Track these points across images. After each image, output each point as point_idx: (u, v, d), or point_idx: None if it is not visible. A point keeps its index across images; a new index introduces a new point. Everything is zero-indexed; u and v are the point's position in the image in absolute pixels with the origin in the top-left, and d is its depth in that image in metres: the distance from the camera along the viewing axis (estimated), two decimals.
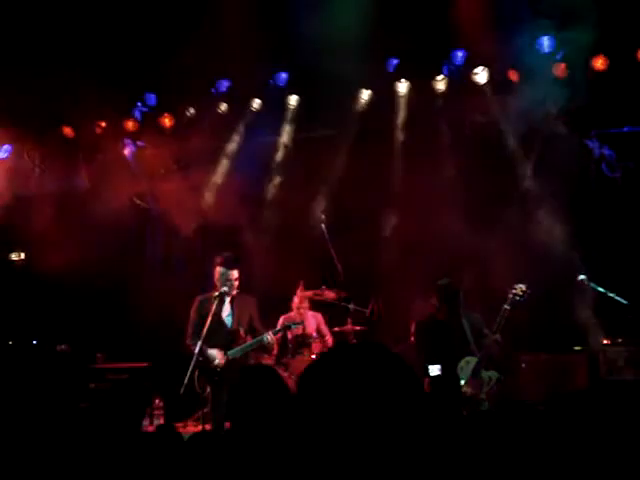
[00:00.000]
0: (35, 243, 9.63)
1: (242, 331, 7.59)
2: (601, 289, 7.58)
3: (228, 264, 7.64)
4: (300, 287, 9.11)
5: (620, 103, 8.52)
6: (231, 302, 7.71)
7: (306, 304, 9.12)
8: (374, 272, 9.63)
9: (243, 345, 7.55)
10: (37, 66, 8.96)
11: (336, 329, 9.10)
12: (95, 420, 6.14)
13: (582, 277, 7.65)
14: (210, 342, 7.45)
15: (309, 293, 9.07)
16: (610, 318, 7.84)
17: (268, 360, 8.53)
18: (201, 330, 7.40)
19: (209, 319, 7.41)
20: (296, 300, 9.11)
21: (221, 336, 7.53)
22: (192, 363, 7.30)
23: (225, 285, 7.60)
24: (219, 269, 7.65)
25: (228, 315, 7.67)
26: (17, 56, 8.94)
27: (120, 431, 4.94)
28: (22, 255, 9.56)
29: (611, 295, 7.54)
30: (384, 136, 9.73)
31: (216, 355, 7.43)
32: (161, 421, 8.12)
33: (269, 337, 7.53)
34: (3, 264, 10.18)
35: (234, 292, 7.65)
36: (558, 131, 8.71)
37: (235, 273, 7.65)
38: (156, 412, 8.25)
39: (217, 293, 7.57)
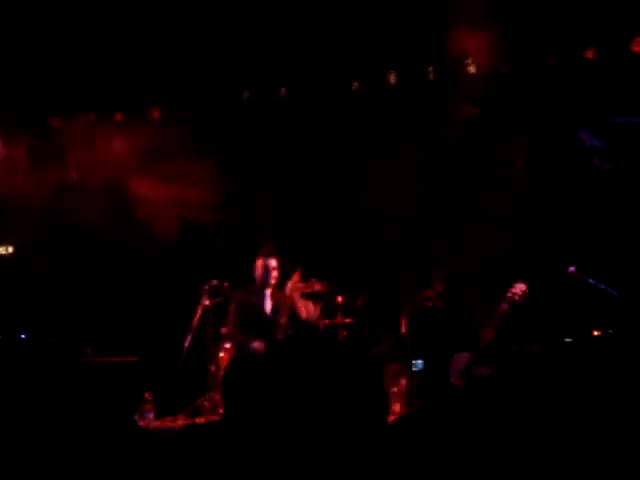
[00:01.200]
0: (23, 237, 9.57)
1: (282, 320, 7.60)
2: (592, 280, 7.56)
3: (267, 253, 7.64)
4: (296, 274, 9.06)
5: (612, 94, 8.51)
6: (271, 296, 7.70)
7: (297, 293, 9.08)
8: (363, 264, 9.62)
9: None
10: (23, 56, 8.89)
11: (326, 322, 9.07)
12: (86, 415, 6.08)
13: (573, 268, 7.63)
14: (249, 334, 7.45)
15: (300, 285, 9.03)
16: (601, 309, 7.84)
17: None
18: (243, 323, 7.45)
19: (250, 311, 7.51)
20: (289, 285, 9.05)
21: (261, 327, 7.53)
22: (182, 356, 7.27)
23: (264, 275, 7.61)
24: (259, 261, 7.67)
25: (270, 308, 7.67)
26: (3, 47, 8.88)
27: (112, 425, 4.89)
28: (10, 249, 9.48)
29: (602, 286, 7.52)
30: (375, 126, 9.69)
31: (256, 345, 7.43)
32: (151, 415, 8.07)
33: None
34: None
35: (273, 281, 7.64)
36: (549, 121, 8.72)
37: (273, 262, 7.65)
38: (146, 406, 8.20)
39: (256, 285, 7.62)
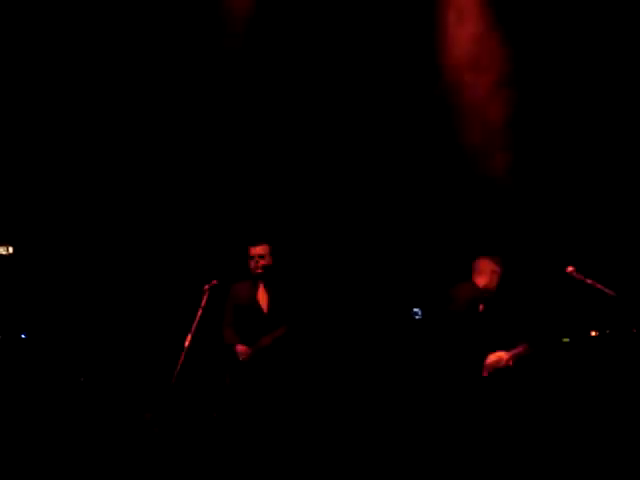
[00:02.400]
0: (23, 236, 9.58)
1: (279, 316, 7.20)
2: (590, 280, 7.59)
3: (251, 241, 7.24)
4: None
5: None
6: (266, 287, 7.27)
7: None
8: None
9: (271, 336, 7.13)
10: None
11: None
12: (90, 413, 6.12)
13: (571, 268, 7.66)
14: (242, 332, 7.19)
15: None
16: (598, 309, 7.87)
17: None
18: (236, 320, 7.19)
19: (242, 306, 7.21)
20: None
21: (253, 325, 7.21)
22: (182, 354, 7.24)
23: (252, 265, 7.17)
24: (249, 250, 7.21)
25: (264, 301, 7.23)
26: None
27: (113, 424, 4.94)
28: (10, 249, 9.48)
29: (600, 287, 7.54)
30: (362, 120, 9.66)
31: (240, 351, 7.17)
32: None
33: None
34: None
35: (259, 271, 7.14)
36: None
37: (257, 249, 7.16)
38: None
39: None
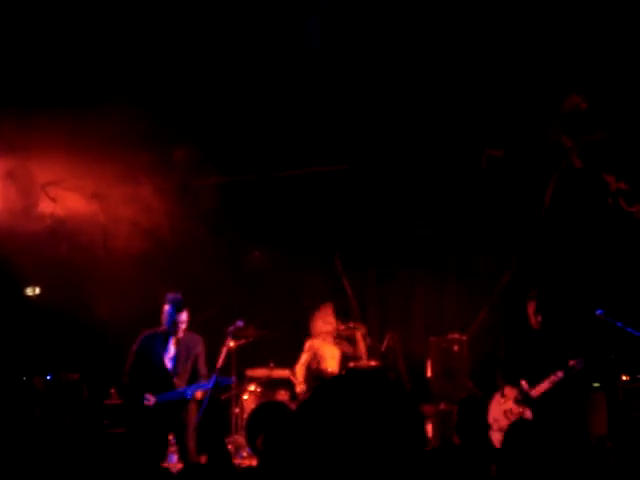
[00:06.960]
0: (49, 277, 9.58)
1: (178, 379, 7.28)
2: (619, 324, 7.50)
3: (176, 306, 7.32)
4: (327, 310, 8.92)
5: (638, 136, 8.50)
6: (176, 343, 7.36)
7: (330, 334, 8.90)
8: (389, 306, 9.60)
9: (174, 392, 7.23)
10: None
11: (351, 364, 8.99)
12: (111, 457, 6.05)
13: (600, 312, 7.58)
14: (144, 382, 7.25)
15: (332, 325, 8.77)
16: (628, 354, 7.76)
17: (284, 396, 8.44)
18: (139, 369, 7.25)
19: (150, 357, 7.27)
20: (320, 324, 8.92)
21: (157, 377, 7.27)
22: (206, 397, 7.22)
23: (172, 326, 7.31)
24: (167, 308, 7.35)
25: (172, 357, 7.35)
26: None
27: (137, 469, 4.87)
28: (37, 290, 9.48)
29: (629, 330, 7.45)
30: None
31: (146, 396, 7.20)
32: (175, 458, 8.00)
33: (189, 393, 7.20)
34: (18, 299, 10.05)
35: (180, 334, 7.32)
36: (575, 165, 8.71)
37: (184, 316, 7.32)
38: (170, 449, 8.11)
39: (161, 332, 7.38)
